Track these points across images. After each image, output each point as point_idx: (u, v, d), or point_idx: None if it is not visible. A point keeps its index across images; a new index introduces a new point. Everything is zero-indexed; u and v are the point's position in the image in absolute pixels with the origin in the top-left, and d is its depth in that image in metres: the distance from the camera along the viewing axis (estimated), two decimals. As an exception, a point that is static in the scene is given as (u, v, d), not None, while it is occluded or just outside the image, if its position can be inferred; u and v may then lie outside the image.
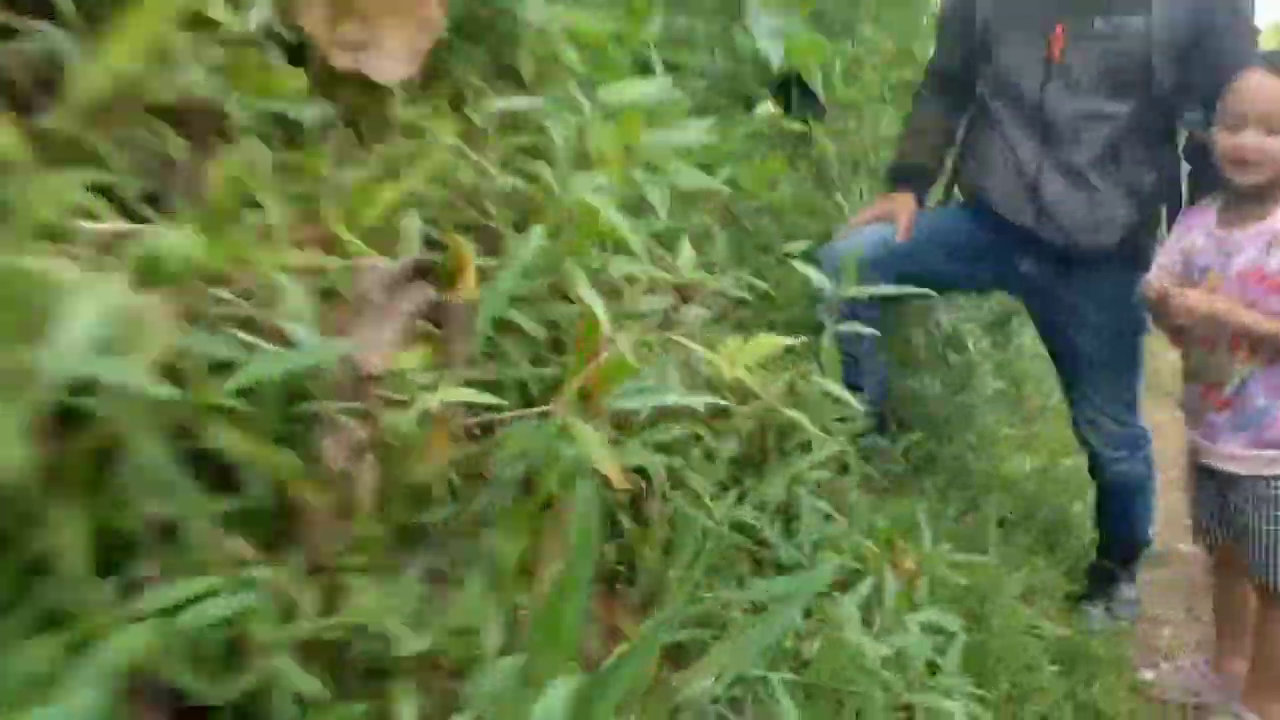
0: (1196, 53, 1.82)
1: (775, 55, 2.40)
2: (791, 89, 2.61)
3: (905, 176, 2.20)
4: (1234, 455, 1.87)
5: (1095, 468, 2.30)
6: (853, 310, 2.10)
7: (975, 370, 2.70)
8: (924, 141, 2.19)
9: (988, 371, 2.78)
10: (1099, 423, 2.23)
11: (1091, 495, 2.41)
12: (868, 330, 2.15)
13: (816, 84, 2.57)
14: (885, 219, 2.13)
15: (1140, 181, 1.96)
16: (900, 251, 2.10)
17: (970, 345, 2.72)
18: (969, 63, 2.08)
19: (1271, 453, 1.83)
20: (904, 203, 2.14)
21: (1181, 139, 1.97)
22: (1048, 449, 2.82)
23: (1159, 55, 1.84)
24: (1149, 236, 1.99)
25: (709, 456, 1.32)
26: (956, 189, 2.25)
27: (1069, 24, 1.90)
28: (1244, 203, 1.80)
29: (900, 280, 2.14)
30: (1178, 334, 1.92)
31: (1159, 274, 1.88)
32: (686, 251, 1.54)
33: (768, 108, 2.56)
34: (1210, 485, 1.97)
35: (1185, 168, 2.01)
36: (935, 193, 2.28)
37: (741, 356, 1.32)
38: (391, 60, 0.98)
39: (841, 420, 2.05)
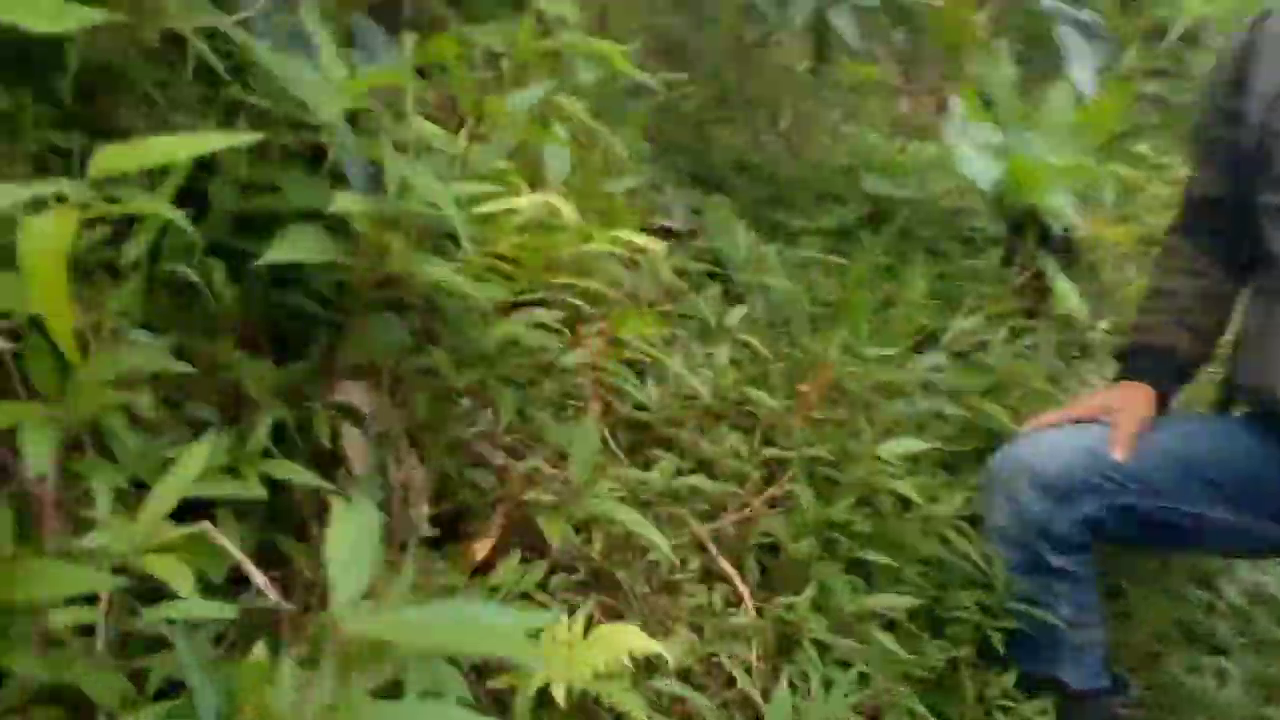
0: None
1: (984, 180, 1.77)
2: (1026, 226, 1.92)
3: (1137, 360, 1.41)
4: None
5: None
6: (1036, 556, 1.35)
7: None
8: (1170, 308, 1.39)
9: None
10: None
11: None
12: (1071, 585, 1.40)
13: (1063, 220, 1.86)
14: (1102, 420, 1.36)
15: None
16: (1124, 473, 1.32)
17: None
18: (1244, 187, 1.28)
19: None
20: (1131, 399, 1.35)
21: None
22: None
23: None
24: None
25: None
26: (1234, 389, 1.40)
27: None
28: None
29: (1125, 519, 1.35)
30: None
31: None
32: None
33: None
34: None
35: None
36: (1194, 390, 1.44)
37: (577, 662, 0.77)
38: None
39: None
